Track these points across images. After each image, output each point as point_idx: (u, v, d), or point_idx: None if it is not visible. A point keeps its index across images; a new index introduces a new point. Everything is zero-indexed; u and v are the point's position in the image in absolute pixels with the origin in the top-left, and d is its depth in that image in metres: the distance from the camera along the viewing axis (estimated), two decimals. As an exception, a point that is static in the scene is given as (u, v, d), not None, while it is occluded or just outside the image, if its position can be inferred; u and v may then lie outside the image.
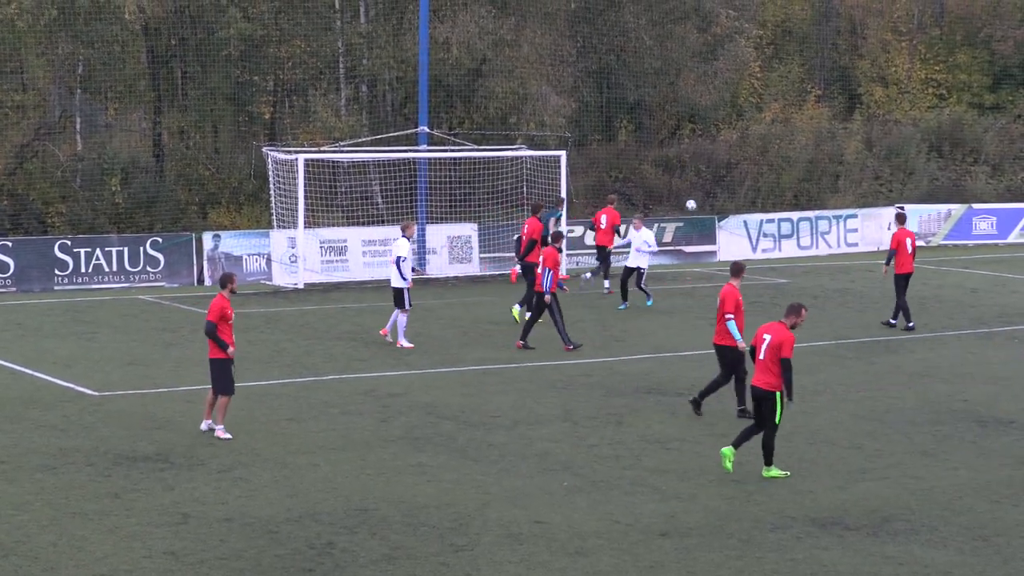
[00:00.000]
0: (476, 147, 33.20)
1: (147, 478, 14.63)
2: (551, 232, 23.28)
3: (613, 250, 29.37)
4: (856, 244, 38.25)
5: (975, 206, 40.22)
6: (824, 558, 12.36)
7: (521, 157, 33.38)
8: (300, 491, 14.20)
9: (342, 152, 32.39)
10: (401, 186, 33.35)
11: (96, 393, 18.91)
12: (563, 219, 29.81)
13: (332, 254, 31.33)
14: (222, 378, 16.32)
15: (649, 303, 27.03)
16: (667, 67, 40.67)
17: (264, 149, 32.03)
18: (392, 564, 12.04)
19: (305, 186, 30.14)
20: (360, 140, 33.70)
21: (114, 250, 29.78)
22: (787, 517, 13.52)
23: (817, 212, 38.44)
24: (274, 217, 31.26)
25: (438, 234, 32.31)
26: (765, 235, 36.92)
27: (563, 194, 31.85)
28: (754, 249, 36.48)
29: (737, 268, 17.80)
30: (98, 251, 29.62)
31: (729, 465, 14.88)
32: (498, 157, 33.44)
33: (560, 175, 32.28)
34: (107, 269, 29.67)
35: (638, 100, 41.67)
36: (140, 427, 16.87)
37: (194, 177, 35.33)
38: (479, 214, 33.68)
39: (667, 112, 42.96)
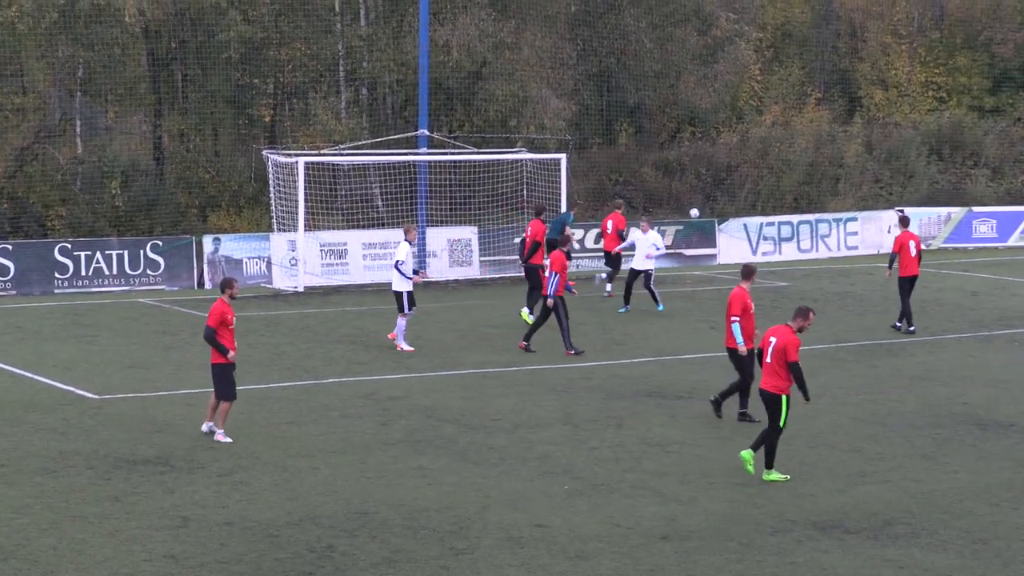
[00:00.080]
0: (476, 150, 33.20)
1: (147, 481, 14.63)
2: (558, 236, 23.15)
3: (615, 251, 29.26)
4: (856, 247, 38.26)
5: (975, 209, 40.24)
6: (824, 561, 12.38)
7: (521, 160, 33.39)
8: (300, 494, 14.21)
9: (342, 155, 32.39)
10: (401, 189, 33.37)
11: (96, 396, 18.91)
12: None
13: (332, 257, 31.34)
14: (223, 383, 16.32)
15: (660, 308, 26.81)
16: (667, 70, 40.71)
17: (264, 152, 32.07)
18: (392, 567, 12.04)
19: (305, 189, 30.17)
20: (360, 143, 33.71)
21: (114, 253, 29.77)
22: (787, 520, 13.54)
23: (817, 215, 38.46)
24: (274, 220, 31.26)
25: (438, 237, 32.30)
26: (765, 238, 36.93)
27: (563, 197, 31.91)
28: (754, 252, 36.49)
29: (747, 271, 17.70)
30: (98, 254, 29.60)
31: (750, 468, 14.90)
32: (498, 160, 33.44)
33: (560, 178, 32.30)
34: (107, 272, 29.66)
35: (638, 103, 41.69)
36: (140, 430, 16.87)
37: (194, 180, 35.32)
38: (479, 217, 33.69)
39: (667, 115, 43.00)
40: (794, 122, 43.35)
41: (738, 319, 17.18)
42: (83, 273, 29.48)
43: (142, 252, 29.95)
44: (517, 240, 32.37)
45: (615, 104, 41.47)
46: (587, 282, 29.64)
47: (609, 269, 29.48)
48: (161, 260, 30.10)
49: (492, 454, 15.91)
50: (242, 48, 35.36)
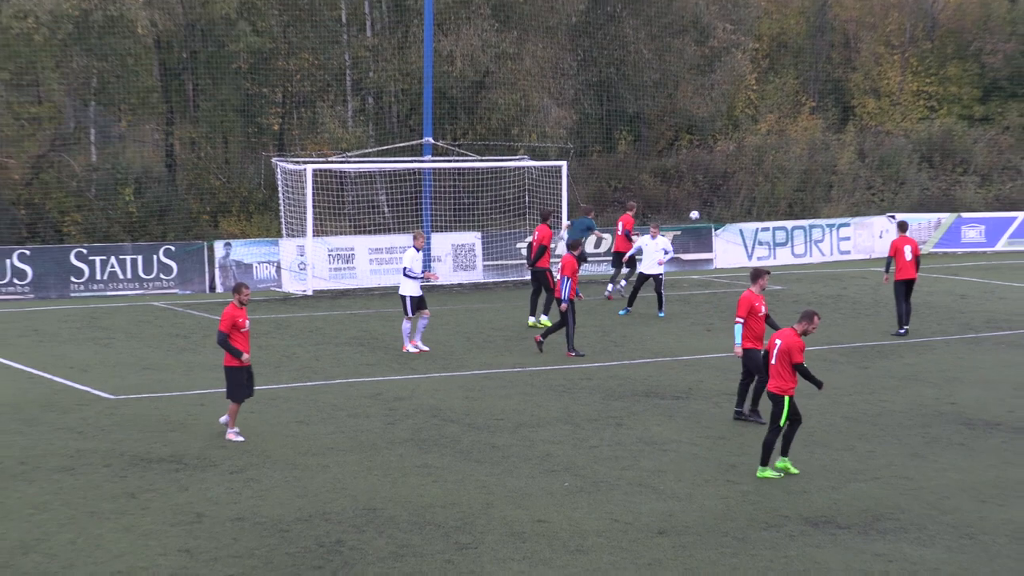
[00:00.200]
0: (479, 158, 33.23)
1: (162, 479, 14.72)
2: (569, 240, 23.11)
3: (626, 258, 29.09)
4: (849, 252, 38.42)
5: (964, 215, 40.42)
6: (816, 556, 12.48)
7: (523, 167, 33.62)
8: (310, 491, 14.28)
9: (349, 162, 32.46)
10: (407, 195, 33.53)
11: (112, 397, 19.00)
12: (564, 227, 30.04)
13: (340, 262, 31.52)
14: (231, 385, 16.42)
15: (661, 315, 26.91)
16: (665, 79, 40.78)
17: (273, 160, 32.15)
18: (399, 561, 12.13)
19: (313, 196, 30.30)
20: (367, 151, 33.85)
21: (128, 258, 29.91)
22: (781, 516, 13.64)
23: (811, 221, 38.59)
24: (283, 226, 31.38)
25: (443, 242, 32.43)
26: (760, 243, 37.09)
27: (564, 202, 32.08)
28: (749, 257, 36.78)
29: (754, 274, 17.61)
30: (113, 259, 29.74)
31: (794, 469, 15.13)
32: (501, 167, 33.58)
33: (561, 185, 32.49)
34: (122, 276, 29.82)
35: (637, 112, 41.89)
36: (155, 429, 16.94)
37: (205, 187, 35.37)
38: (483, 223, 33.83)
39: (665, 123, 43.11)
40: (789, 130, 43.50)
41: (741, 321, 17.19)
42: (98, 277, 29.66)
43: (155, 257, 30.09)
44: (523, 245, 32.79)
45: (615, 113, 41.63)
46: (596, 286, 29.61)
47: (626, 270, 29.58)
48: (174, 265, 30.25)
49: (495, 452, 15.98)
50: (251, 58, 35.49)
